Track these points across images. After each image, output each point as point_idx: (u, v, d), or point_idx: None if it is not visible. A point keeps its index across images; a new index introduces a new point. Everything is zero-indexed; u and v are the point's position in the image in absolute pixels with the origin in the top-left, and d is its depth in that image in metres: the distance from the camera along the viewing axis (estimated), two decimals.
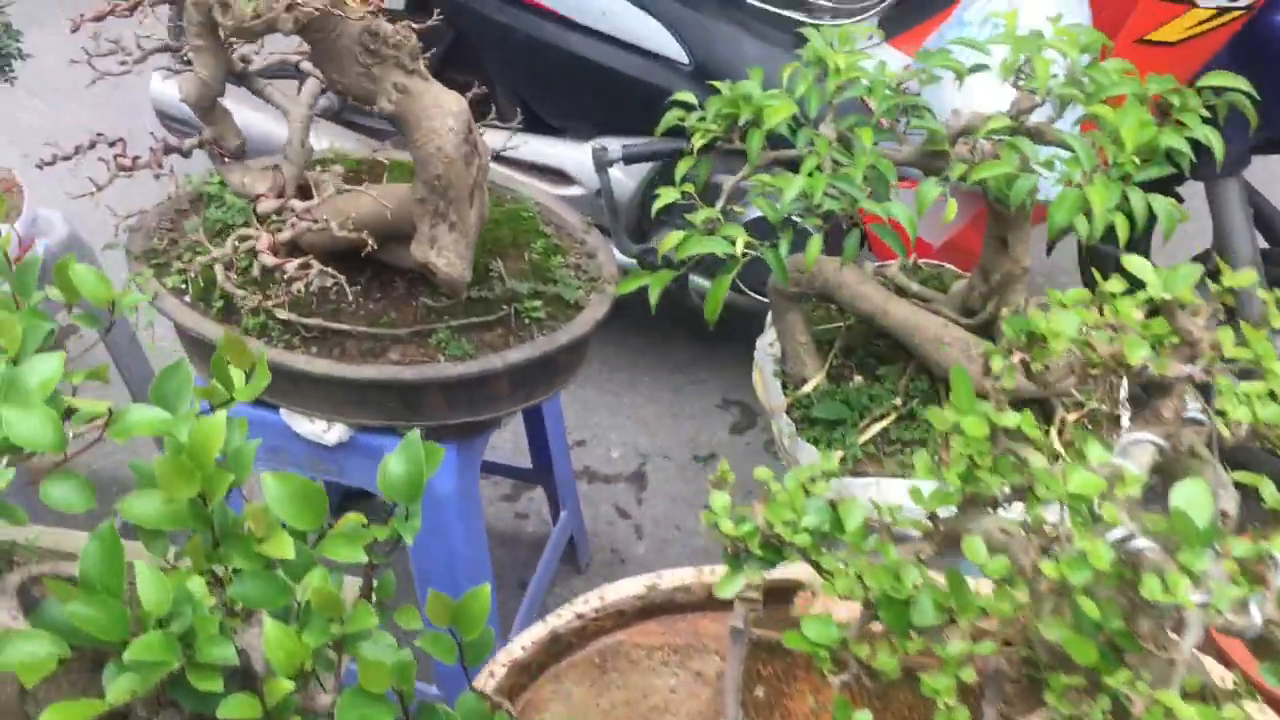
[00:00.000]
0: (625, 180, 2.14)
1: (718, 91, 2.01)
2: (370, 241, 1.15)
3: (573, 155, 2.13)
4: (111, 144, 1.22)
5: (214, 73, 1.14)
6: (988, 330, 1.51)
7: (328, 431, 1.43)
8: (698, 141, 1.38)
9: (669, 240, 1.30)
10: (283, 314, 1.31)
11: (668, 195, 1.35)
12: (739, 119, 1.36)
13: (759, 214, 2.02)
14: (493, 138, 2.04)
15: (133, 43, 1.21)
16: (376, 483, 0.94)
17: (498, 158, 2.18)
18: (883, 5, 2.15)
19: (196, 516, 0.91)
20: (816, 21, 2.15)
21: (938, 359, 1.45)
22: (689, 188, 1.36)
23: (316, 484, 0.95)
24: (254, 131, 2.14)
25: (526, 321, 1.41)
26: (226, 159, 1.22)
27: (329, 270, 1.13)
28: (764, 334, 1.67)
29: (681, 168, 1.40)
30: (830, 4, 2.19)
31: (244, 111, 2.17)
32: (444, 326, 1.37)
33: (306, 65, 1.33)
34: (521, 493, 2.19)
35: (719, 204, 1.36)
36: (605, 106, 2.10)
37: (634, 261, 2.10)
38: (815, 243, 1.26)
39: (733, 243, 1.24)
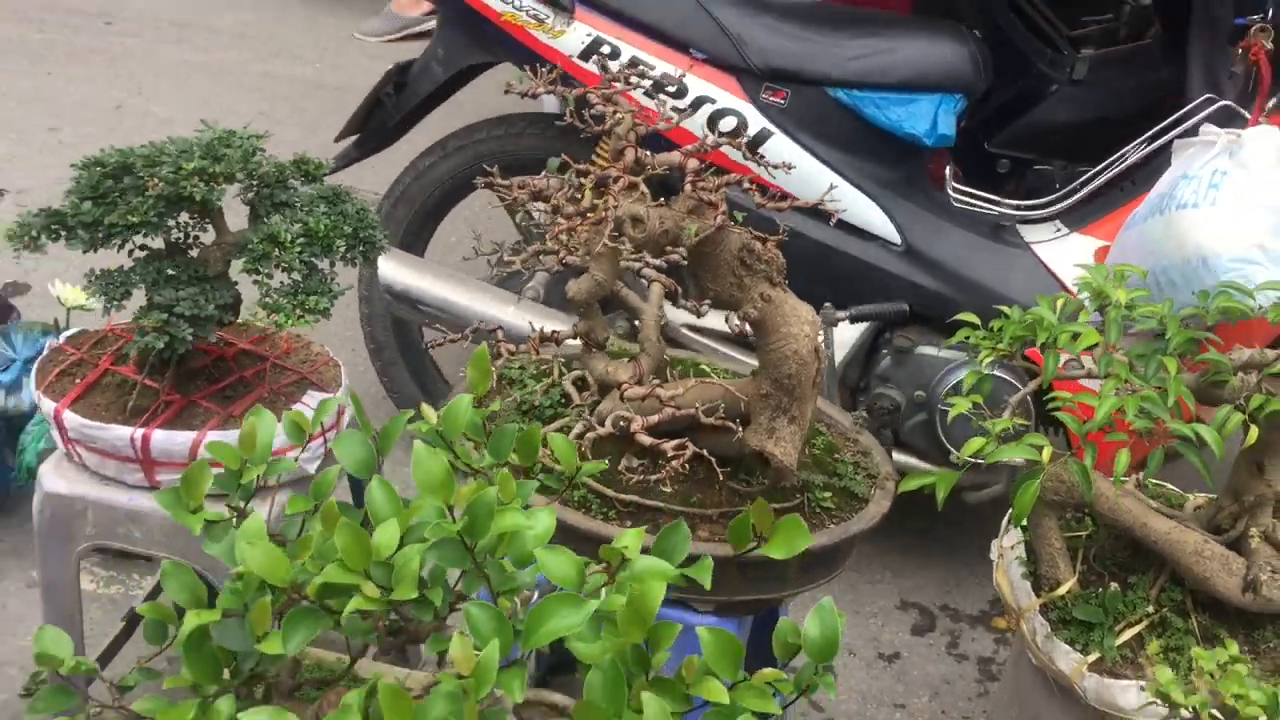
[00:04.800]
0: (840, 345, 2.31)
1: (926, 271, 2.26)
2: (735, 427, 1.30)
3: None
4: (491, 331, 1.38)
5: (608, 277, 1.30)
6: (1236, 548, 1.61)
7: None
8: (985, 358, 1.53)
9: (970, 446, 1.44)
10: (602, 487, 1.44)
11: (961, 406, 1.50)
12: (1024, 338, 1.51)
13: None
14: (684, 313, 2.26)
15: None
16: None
17: (697, 330, 2.37)
18: (1063, 203, 2.37)
19: (638, 659, 1.02)
20: (1009, 213, 2.38)
21: (1197, 571, 1.55)
22: (977, 397, 1.50)
23: (737, 643, 1.06)
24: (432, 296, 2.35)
25: (818, 510, 1.53)
26: (593, 349, 1.37)
27: (702, 450, 1.27)
28: (1002, 536, 1.78)
29: (969, 380, 1.54)
30: (1021, 189, 2.43)
31: (429, 281, 2.37)
32: (745, 509, 1.49)
33: (648, 271, 1.50)
34: None
35: (1007, 413, 1.50)
36: (819, 280, 2.28)
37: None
38: (1124, 456, 1.39)
39: (1039, 450, 1.37)
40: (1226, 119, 2.18)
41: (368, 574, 0.89)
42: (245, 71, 4.60)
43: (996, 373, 2.18)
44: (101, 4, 5.01)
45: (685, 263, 1.36)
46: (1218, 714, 1.25)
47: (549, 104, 2.89)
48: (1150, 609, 1.60)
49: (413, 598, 0.86)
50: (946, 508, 2.50)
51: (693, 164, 1.25)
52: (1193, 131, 2.18)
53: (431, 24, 5.06)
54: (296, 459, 1.15)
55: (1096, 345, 1.50)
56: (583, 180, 1.23)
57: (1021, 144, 2.95)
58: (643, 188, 1.21)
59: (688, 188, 1.23)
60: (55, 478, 1.64)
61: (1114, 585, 1.63)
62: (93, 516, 1.63)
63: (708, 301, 1.45)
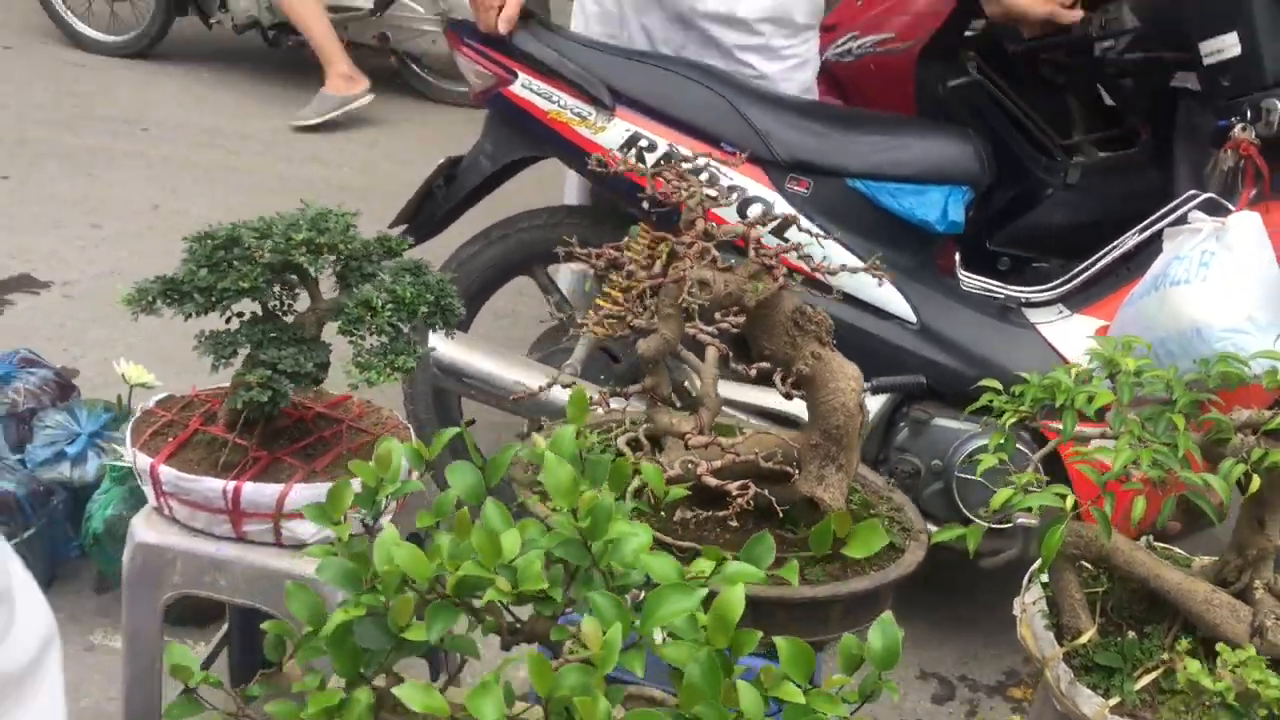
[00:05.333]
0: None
1: (940, 348, 2.44)
2: (794, 471, 1.44)
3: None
4: (565, 386, 1.52)
5: (675, 336, 1.45)
6: (1242, 599, 1.74)
7: None
8: (1008, 420, 1.68)
9: (999, 496, 1.58)
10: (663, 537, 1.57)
11: (988, 461, 1.64)
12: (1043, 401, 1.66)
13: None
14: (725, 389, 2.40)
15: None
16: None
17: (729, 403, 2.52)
18: (1064, 287, 2.55)
19: (723, 665, 1.14)
20: (1014, 295, 2.56)
21: (1207, 619, 1.68)
22: (1003, 454, 1.65)
23: (810, 650, 1.18)
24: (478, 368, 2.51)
25: (858, 560, 1.66)
26: (659, 403, 1.52)
27: (762, 491, 1.41)
28: (1024, 594, 1.90)
29: (994, 440, 1.69)
30: (1021, 282, 2.62)
31: (475, 356, 2.53)
32: (794, 556, 1.62)
33: (703, 336, 1.65)
34: None
35: (1029, 468, 1.64)
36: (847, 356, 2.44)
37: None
38: (1141, 502, 1.53)
39: (1063, 498, 1.51)
40: (1212, 210, 2.38)
41: (496, 572, 1.02)
42: (274, 175, 4.82)
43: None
44: (135, 111, 5.25)
45: (736, 330, 1.52)
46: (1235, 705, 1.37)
47: (570, 196, 3.07)
48: (1165, 655, 1.72)
49: (542, 587, 0.99)
50: (962, 584, 2.64)
51: (755, 233, 1.41)
52: (1182, 221, 2.37)
53: (364, 101, 5.67)
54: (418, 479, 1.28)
55: (1108, 412, 1.65)
56: (656, 248, 1.39)
57: (1021, 243, 3.16)
58: (714, 253, 1.37)
59: (751, 253, 1.39)
60: (146, 529, 1.76)
61: (1131, 634, 1.75)
62: (181, 566, 1.75)
63: (754, 369, 1.61)
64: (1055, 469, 2.46)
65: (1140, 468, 1.50)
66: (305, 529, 1.72)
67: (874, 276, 1.51)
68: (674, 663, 1.09)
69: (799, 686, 1.14)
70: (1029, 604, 1.88)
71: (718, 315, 1.54)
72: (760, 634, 1.14)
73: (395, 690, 0.95)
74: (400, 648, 1.06)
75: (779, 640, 1.14)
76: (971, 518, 2.43)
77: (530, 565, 1.03)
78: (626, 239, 1.46)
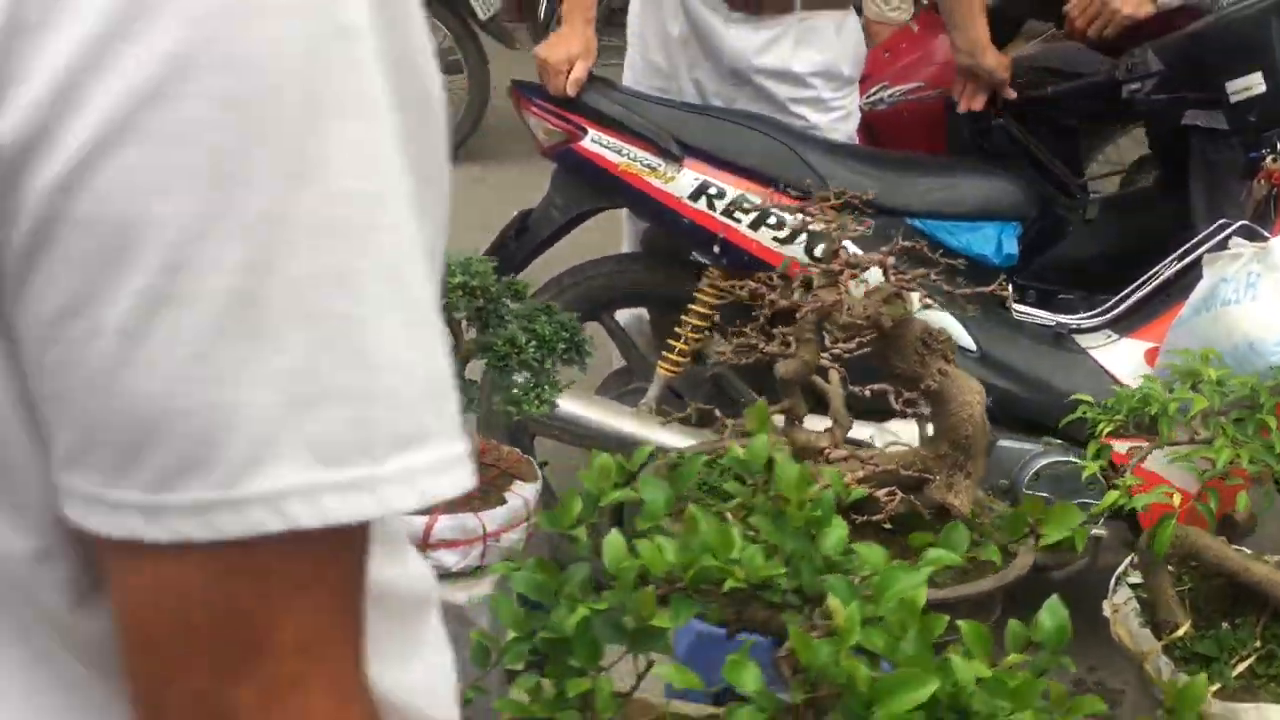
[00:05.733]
0: None
1: (999, 374, 2.59)
2: (932, 479, 1.56)
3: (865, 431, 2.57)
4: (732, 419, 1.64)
5: (813, 359, 1.58)
6: None
7: None
8: (1104, 428, 1.82)
9: (1108, 499, 1.71)
10: None
11: (1091, 469, 1.77)
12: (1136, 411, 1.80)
13: None
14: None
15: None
16: None
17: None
18: (1111, 311, 2.71)
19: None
20: (1064, 321, 2.71)
21: None
22: (1101, 462, 1.79)
23: (988, 633, 1.30)
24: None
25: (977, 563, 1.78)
26: (797, 421, 1.64)
27: (909, 497, 1.53)
28: (1112, 595, 2.03)
29: (1091, 449, 1.82)
30: (1068, 311, 2.78)
31: (589, 410, 2.64)
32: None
33: (823, 361, 1.78)
34: None
35: (1133, 463, 1.78)
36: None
37: None
38: (1243, 498, 1.66)
39: (1170, 496, 1.65)
40: (1248, 237, 2.54)
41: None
42: None
43: (1071, 458, 2.47)
44: None
45: (848, 355, 1.66)
46: None
47: (628, 244, 3.19)
48: (1257, 644, 1.84)
49: (774, 574, 1.11)
50: (1023, 597, 2.75)
51: (890, 261, 1.55)
52: (1220, 248, 2.53)
53: None
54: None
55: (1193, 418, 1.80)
56: (806, 277, 1.52)
57: (1045, 277, 3.32)
58: (859, 280, 1.51)
59: (891, 279, 1.53)
60: None
61: (1224, 625, 1.87)
62: None
63: (869, 390, 1.74)
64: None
65: (1241, 463, 1.64)
66: (449, 558, 1.83)
67: (1000, 294, 1.64)
68: (876, 649, 1.20)
69: None
70: (1120, 604, 2.00)
71: (827, 342, 1.67)
72: (947, 618, 1.26)
73: (657, 669, 1.06)
74: (638, 639, 1.16)
75: (963, 624, 1.26)
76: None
77: (754, 557, 1.14)
78: (775, 274, 1.59)
